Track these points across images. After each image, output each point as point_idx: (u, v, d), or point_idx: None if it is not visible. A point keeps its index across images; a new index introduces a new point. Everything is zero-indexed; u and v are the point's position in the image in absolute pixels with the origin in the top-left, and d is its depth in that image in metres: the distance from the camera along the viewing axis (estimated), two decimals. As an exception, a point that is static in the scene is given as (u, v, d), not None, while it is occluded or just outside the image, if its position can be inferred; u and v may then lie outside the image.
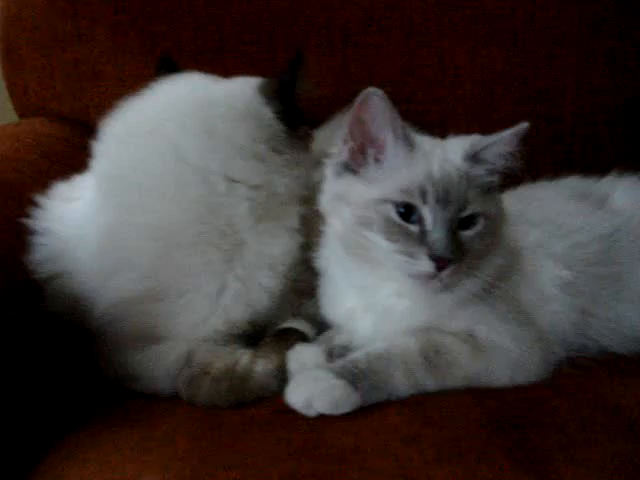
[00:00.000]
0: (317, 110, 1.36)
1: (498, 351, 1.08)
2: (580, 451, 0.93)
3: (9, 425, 1.02)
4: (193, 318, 1.15)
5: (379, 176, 1.07)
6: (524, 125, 1.06)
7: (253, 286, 1.18)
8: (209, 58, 1.66)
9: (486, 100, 1.72)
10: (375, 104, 1.04)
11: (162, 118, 1.19)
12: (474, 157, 1.08)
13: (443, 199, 1.04)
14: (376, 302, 1.12)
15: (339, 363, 1.06)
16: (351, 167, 1.09)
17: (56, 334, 1.19)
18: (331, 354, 1.13)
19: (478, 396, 1.05)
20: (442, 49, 1.71)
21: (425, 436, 0.96)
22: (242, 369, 1.11)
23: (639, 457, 0.93)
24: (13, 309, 1.11)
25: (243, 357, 1.13)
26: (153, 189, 1.15)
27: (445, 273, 1.02)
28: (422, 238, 1.03)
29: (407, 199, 1.05)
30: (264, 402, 1.08)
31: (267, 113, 1.22)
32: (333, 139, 1.15)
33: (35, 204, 1.26)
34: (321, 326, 1.23)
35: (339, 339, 1.17)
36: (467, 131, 1.16)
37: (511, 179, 1.13)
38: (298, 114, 1.25)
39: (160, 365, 1.13)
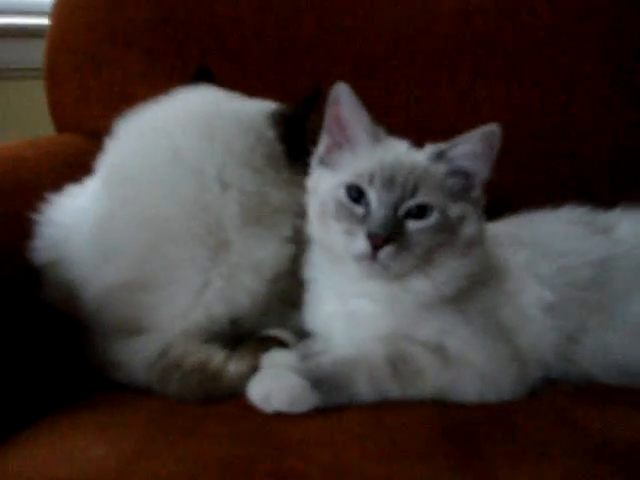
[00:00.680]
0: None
1: (469, 365, 1.06)
2: (529, 463, 0.90)
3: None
4: (175, 310, 1.17)
5: (344, 166, 1.12)
6: (493, 127, 1.07)
7: (236, 285, 1.19)
8: (233, 82, 1.72)
9: (504, 135, 1.71)
10: (344, 97, 1.10)
11: (169, 120, 1.25)
12: (439, 155, 1.10)
13: (389, 182, 1.06)
14: (347, 307, 1.13)
15: (304, 365, 1.07)
16: (325, 161, 1.14)
17: (49, 324, 1.23)
18: (306, 360, 1.13)
19: (441, 407, 1.03)
20: (462, 83, 1.73)
21: (373, 436, 0.95)
22: (214, 367, 1.12)
23: (594, 476, 0.89)
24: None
25: (217, 355, 1.14)
26: (149, 183, 1.20)
27: (383, 254, 1.03)
28: (365, 218, 1.05)
29: (356, 182, 1.08)
30: (233, 399, 1.08)
31: (269, 134, 1.27)
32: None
33: (45, 200, 1.32)
34: (305, 338, 1.23)
35: (316, 346, 1.18)
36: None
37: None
38: (303, 146, 1.27)
39: (139, 356, 1.15)
